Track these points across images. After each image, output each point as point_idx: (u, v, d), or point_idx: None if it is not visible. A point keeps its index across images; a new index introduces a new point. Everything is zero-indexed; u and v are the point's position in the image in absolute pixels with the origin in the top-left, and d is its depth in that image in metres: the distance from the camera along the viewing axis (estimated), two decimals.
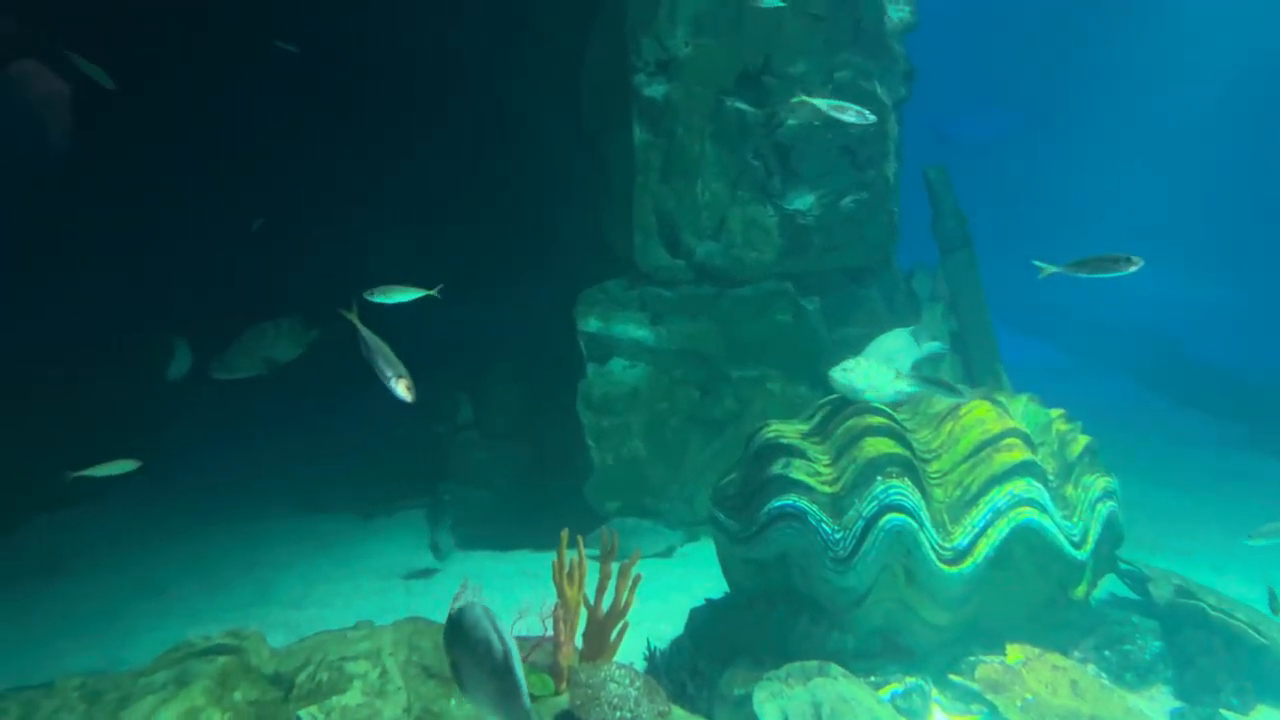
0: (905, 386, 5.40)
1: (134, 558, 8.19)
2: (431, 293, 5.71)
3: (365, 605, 7.07)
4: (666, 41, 8.22)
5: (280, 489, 9.75)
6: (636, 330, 8.42)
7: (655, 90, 8.27)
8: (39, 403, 9.07)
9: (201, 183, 9.85)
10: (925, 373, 8.17)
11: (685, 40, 8.20)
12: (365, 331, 4.60)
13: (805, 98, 6.73)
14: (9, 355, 8.90)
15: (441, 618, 3.64)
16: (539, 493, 8.79)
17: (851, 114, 6.19)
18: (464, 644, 3.14)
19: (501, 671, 3.02)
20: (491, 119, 10.15)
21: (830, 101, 6.47)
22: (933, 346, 6.77)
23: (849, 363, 5.35)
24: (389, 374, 4.56)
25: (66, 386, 9.39)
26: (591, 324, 8.44)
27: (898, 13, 8.42)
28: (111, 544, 8.53)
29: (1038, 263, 5.16)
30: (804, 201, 8.31)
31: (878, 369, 5.33)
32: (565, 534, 4.42)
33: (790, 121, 8.24)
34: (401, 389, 4.54)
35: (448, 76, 10.13)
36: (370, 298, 5.72)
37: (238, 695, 4.18)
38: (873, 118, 6.29)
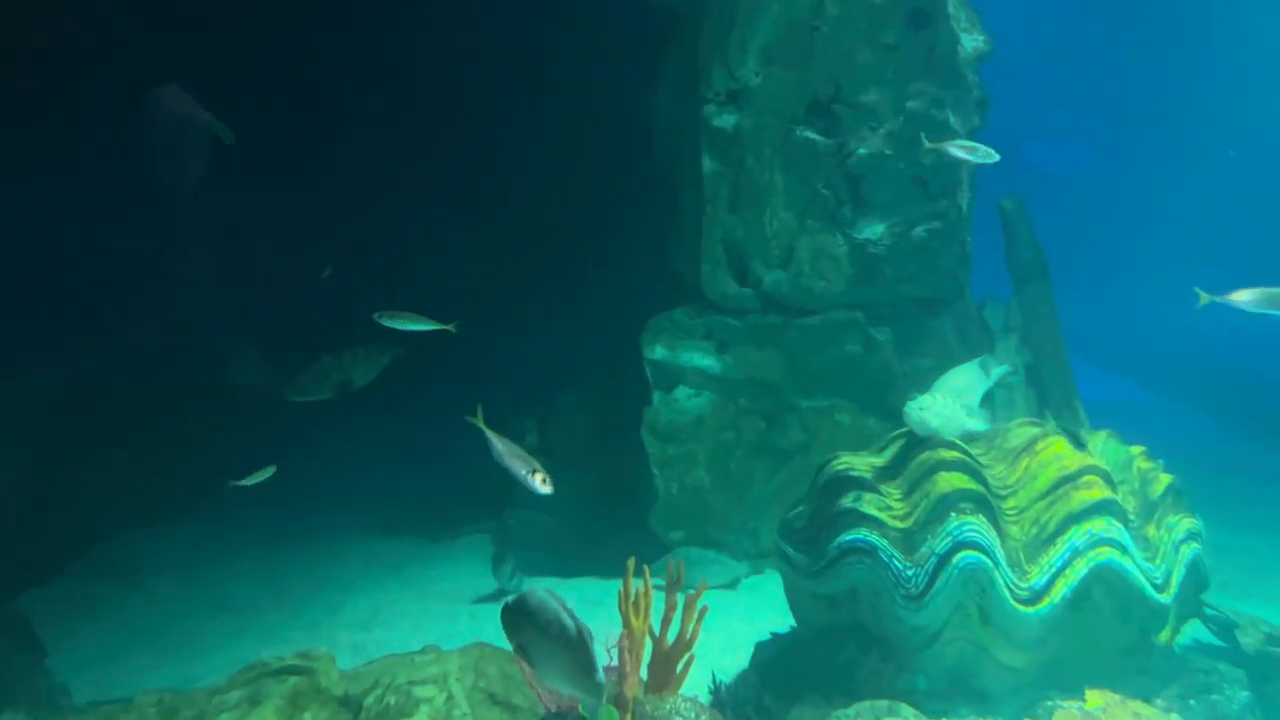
0: (978, 425, 5.31)
1: (209, 575, 8.40)
2: (447, 327, 5.83)
3: (432, 629, 7.14)
4: (737, 71, 8.27)
5: (350, 509, 9.94)
6: (702, 359, 8.41)
7: (725, 120, 8.31)
8: (120, 420, 9.38)
9: (285, 210, 10.14)
10: (998, 401, 8.02)
11: (756, 70, 8.24)
12: (492, 436, 4.72)
13: (933, 143, 6.69)
14: (90, 372, 9.23)
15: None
16: (604, 520, 8.80)
17: (980, 154, 6.17)
18: (534, 624, 3.24)
19: (576, 644, 3.12)
20: (561, 153, 10.29)
21: (960, 142, 6.46)
22: (1001, 370, 6.63)
23: (923, 399, 5.26)
24: (524, 471, 4.67)
25: (148, 404, 9.69)
26: (658, 351, 8.46)
27: (971, 42, 8.33)
28: (188, 561, 8.77)
29: (1198, 290, 5.06)
30: (874, 231, 8.23)
31: (952, 405, 5.23)
32: (632, 563, 4.41)
33: (861, 150, 8.19)
34: (538, 483, 4.65)
35: (523, 120, 10.30)
36: (380, 320, 5.85)
37: (307, 716, 4.25)
38: (996, 156, 6.23)
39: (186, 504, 9.79)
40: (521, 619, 3.28)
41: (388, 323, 5.98)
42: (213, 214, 9.81)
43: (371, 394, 8.51)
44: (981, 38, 8.45)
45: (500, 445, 4.70)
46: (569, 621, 3.18)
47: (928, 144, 6.84)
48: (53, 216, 8.92)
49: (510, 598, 3.48)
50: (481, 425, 4.83)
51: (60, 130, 8.84)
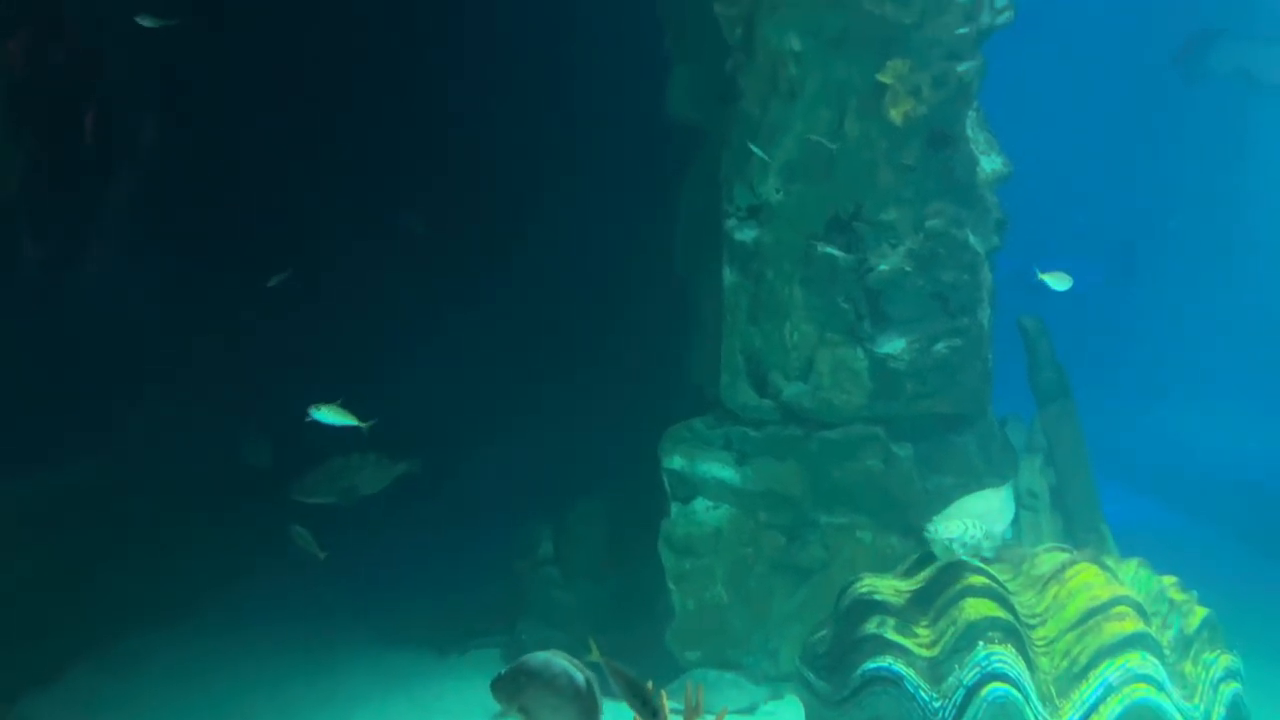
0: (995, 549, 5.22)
1: (214, 683, 8.19)
2: (364, 426, 5.89)
3: None
4: (759, 188, 8.42)
5: (360, 614, 9.73)
6: (721, 470, 8.33)
7: (746, 234, 8.43)
8: (128, 516, 9.31)
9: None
10: (1023, 523, 7.87)
11: (777, 187, 8.39)
12: (613, 668, 4.19)
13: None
14: (94, 468, 9.19)
15: None
16: (619, 636, 8.57)
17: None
18: (539, 682, 3.16)
19: (584, 693, 3.05)
20: (583, 259, 10.46)
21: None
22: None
23: (945, 520, 5.18)
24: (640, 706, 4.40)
25: (156, 499, 9.60)
26: (676, 461, 8.39)
27: (990, 164, 8.49)
28: (192, 666, 8.57)
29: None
30: (895, 346, 8.24)
31: (974, 528, 5.14)
32: (649, 687, 4.26)
33: (881, 266, 8.27)
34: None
35: (546, 228, 10.51)
36: (312, 413, 5.88)
37: None
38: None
39: (195, 603, 9.64)
40: (521, 681, 3.23)
41: (317, 416, 6.04)
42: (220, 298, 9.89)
43: (383, 494, 8.45)
44: (1000, 160, 8.62)
45: (619, 678, 4.06)
46: (578, 674, 3.13)
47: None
48: (56, 306, 9.06)
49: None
50: (602, 658, 3.93)
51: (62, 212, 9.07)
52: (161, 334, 9.54)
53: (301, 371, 9.93)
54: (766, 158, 8.17)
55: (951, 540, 5.13)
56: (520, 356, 10.53)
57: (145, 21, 7.26)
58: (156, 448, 9.73)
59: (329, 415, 6.13)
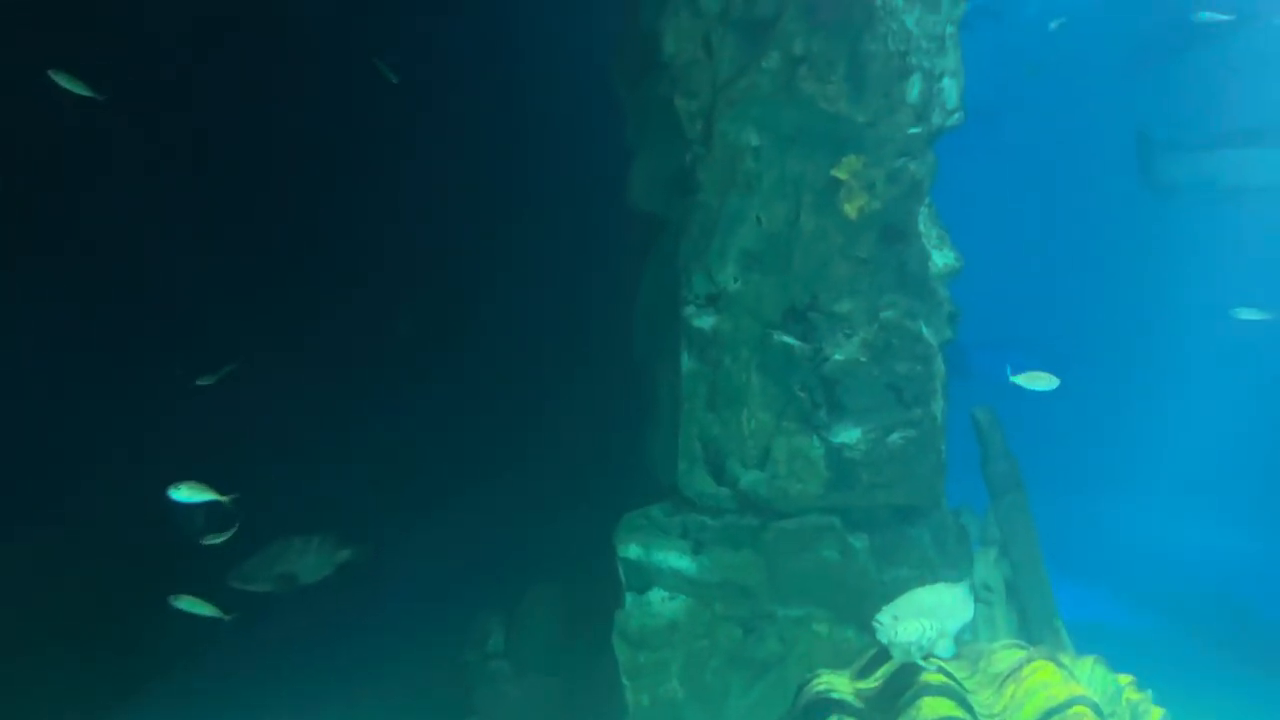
0: (948, 650, 5.14)
1: None
2: (224, 499, 5.81)
3: None
4: (717, 276, 8.51)
5: (301, 713, 9.30)
6: (678, 560, 8.21)
7: (704, 322, 8.49)
8: (68, 601, 8.90)
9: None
10: (978, 618, 7.81)
11: (735, 276, 8.49)
12: None
13: None
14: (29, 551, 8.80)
15: None
16: None
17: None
18: None
19: None
20: (542, 342, 10.43)
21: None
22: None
23: (900, 619, 5.11)
24: None
25: (95, 580, 9.19)
26: (632, 550, 8.26)
27: (942, 259, 8.69)
28: None
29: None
30: (850, 435, 8.28)
31: (929, 628, 5.08)
32: None
33: (837, 356, 8.36)
34: None
35: (509, 316, 10.48)
36: (170, 493, 5.77)
37: None
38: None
39: (141, 690, 9.15)
40: None
41: (178, 495, 5.94)
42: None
43: (326, 581, 8.16)
44: (952, 254, 8.83)
45: None
46: None
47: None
48: None
49: None
50: None
51: None
52: (91, 413, 9.31)
53: (245, 449, 9.71)
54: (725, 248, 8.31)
55: (909, 644, 5.06)
56: (474, 439, 10.38)
57: (68, 84, 7.06)
58: (89, 523, 9.35)
59: (188, 494, 6.02)
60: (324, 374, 9.93)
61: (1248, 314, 9.32)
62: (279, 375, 9.68)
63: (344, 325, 9.95)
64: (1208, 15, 12.35)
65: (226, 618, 6.75)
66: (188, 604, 6.06)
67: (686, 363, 8.49)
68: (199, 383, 8.00)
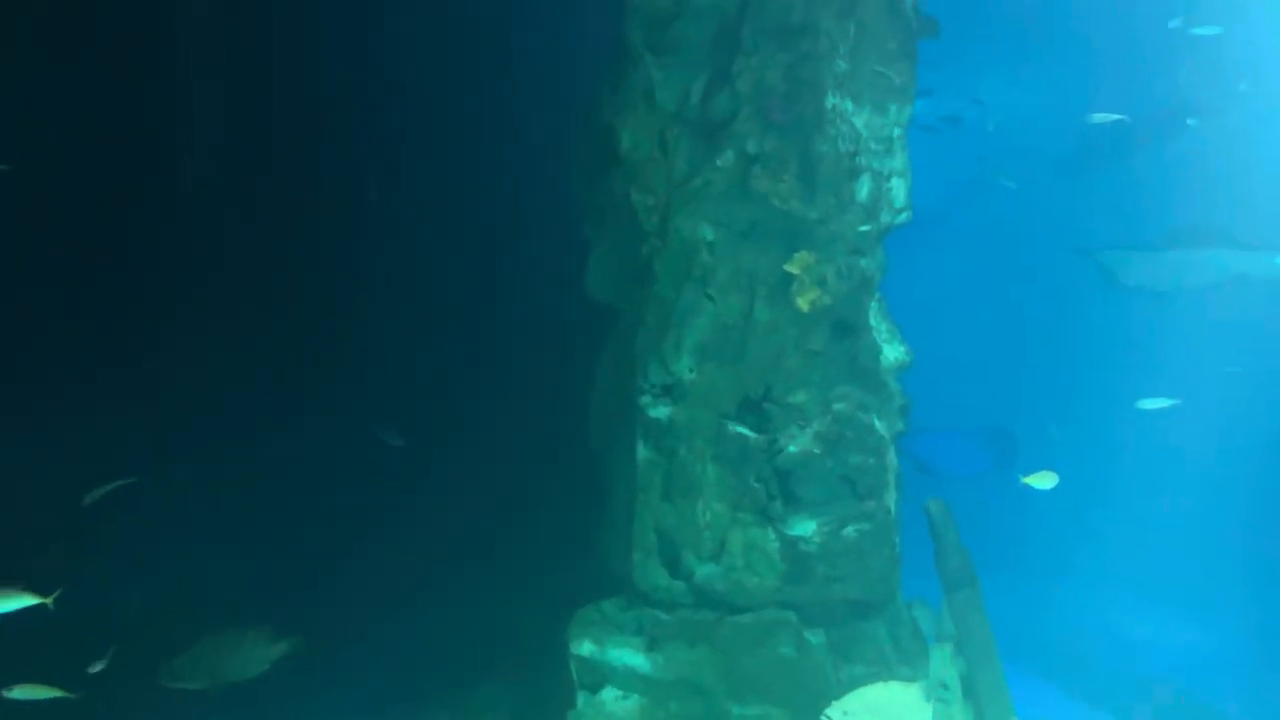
0: None
1: None
2: (45, 601, 5.64)
3: None
4: (672, 367, 8.57)
5: None
6: (632, 656, 8.03)
7: (660, 412, 8.51)
8: None
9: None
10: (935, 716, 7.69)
11: (690, 367, 8.55)
12: None
13: None
14: None
15: None
16: None
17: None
18: None
19: None
20: (498, 432, 10.34)
21: None
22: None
23: (847, 709, 5.03)
24: None
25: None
26: (585, 647, 8.08)
27: (893, 352, 8.85)
28: None
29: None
30: (805, 528, 8.26)
31: None
32: None
33: (791, 448, 8.40)
34: None
35: (463, 402, 10.40)
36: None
37: None
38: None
39: None
40: None
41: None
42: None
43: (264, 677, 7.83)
44: (902, 348, 8.99)
45: None
46: None
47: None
48: None
49: None
50: None
51: None
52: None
53: (189, 539, 9.44)
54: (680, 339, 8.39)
55: None
56: (424, 531, 10.16)
57: None
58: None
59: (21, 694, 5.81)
60: (271, 470, 9.72)
61: (1150, 404, 9.63)
62: (230, 468, 9.50)
63: (294, 420, 9.78)
64: (1100, 116, 13.03)
65: (71, 696, 6.38)
66: (22, 692, 5.75)
67: (642, 452, 8.47)
68: (85, 501, 7.71)
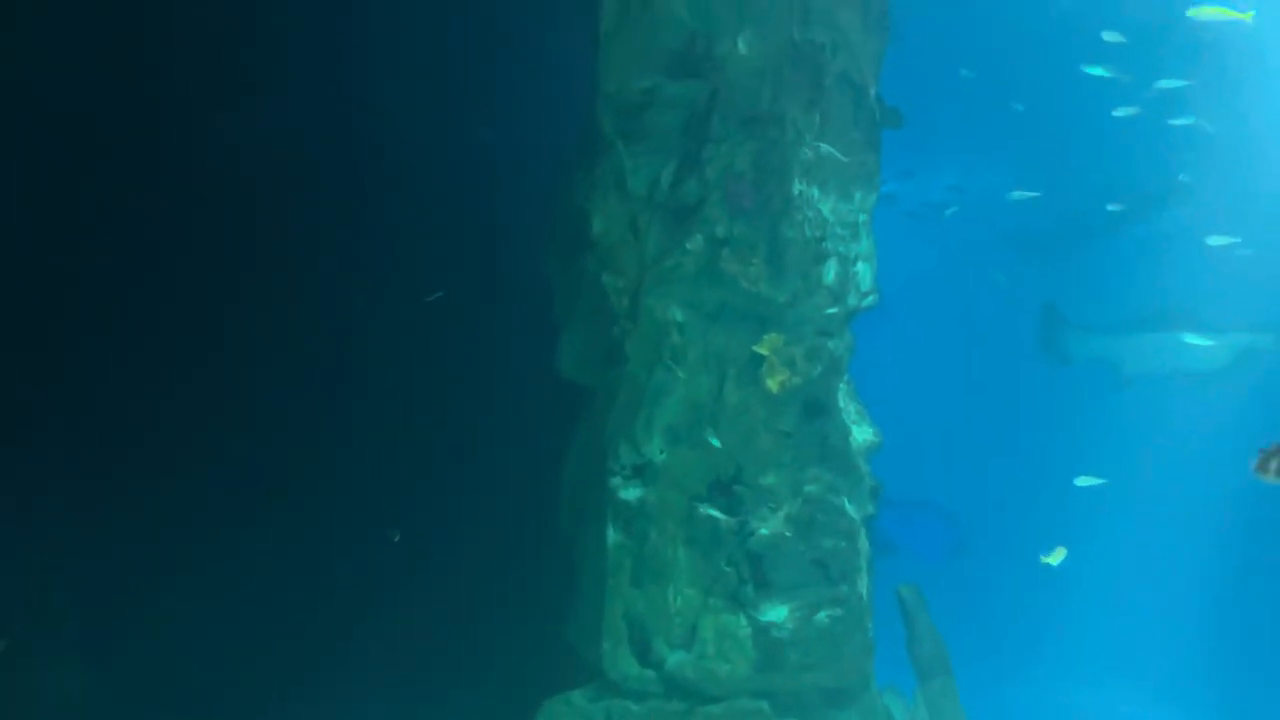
0: None
1: None
2: None
3: None
4: (643, 448, 8.52)
5: None
6: None
7: (630, 493, 8.42)
8: None
9: None
10: None
11: (661, 447, 8.51)
12: None
13: None
14: None
15: None
16: None
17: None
18: None
19: None
20: (460, 519, 10.15)
21: None
22: None
23: None
24: None
25: None
26: None
27: (862, 434, 8.88)
28: None
29: None
30: (778, 614, 8.15)
31: None
32: None
33: (762, 531, 8.33)
34: None
35: (430, 485, 10.25)
36: None
37: None
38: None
39: None
40: None
41: None
42: None
43: None
44: (871, 430, 9.03)
45: None
46: None
47: None
48: None
49: None
50: None
51: None
52: None
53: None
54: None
55: None
56: (390, 617, 9.88)
57: None
58: None
59: None
60: (240, 564, 9.49)
61: (1084, 481, 9.87)
62: (198, 560, 9.26)
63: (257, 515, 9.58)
64: (1018, 193, 13.48)
65: None
66: None
67: (612, 536, 8.35)
68: None
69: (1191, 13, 8.23)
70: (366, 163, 10.30)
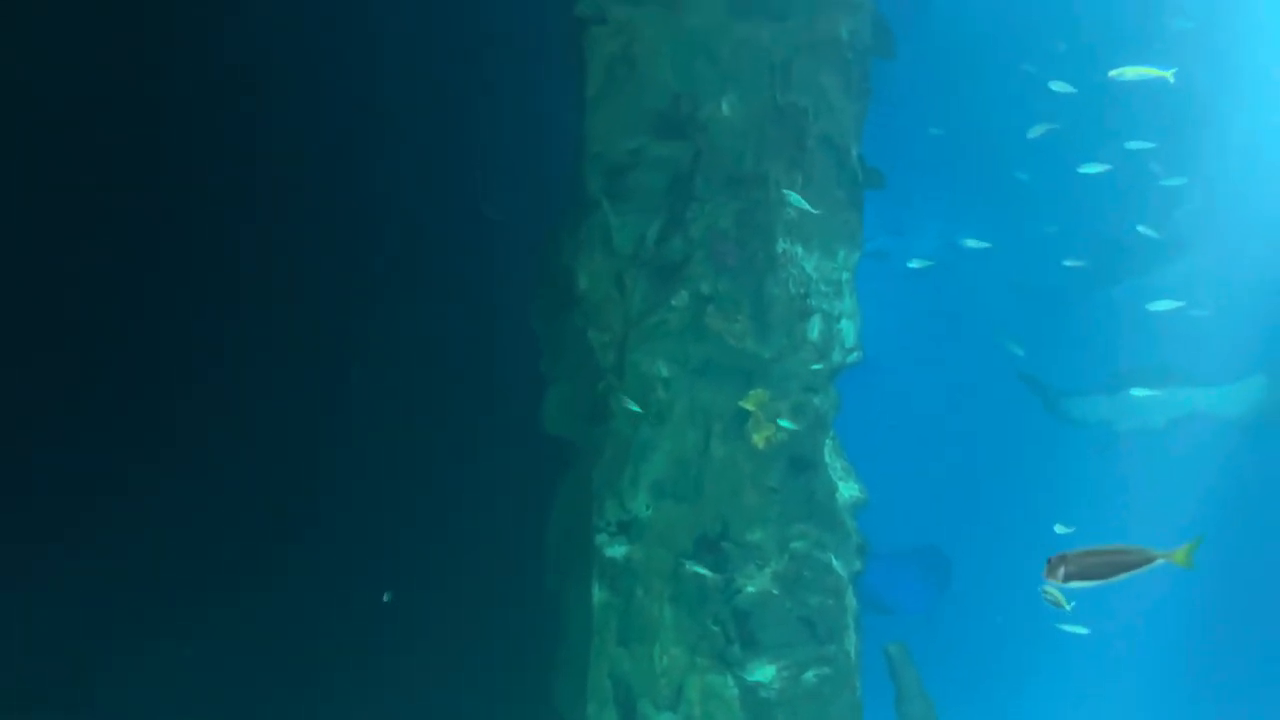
0: None
1: None
2: None
3: None
4: (629, 504, 8.50)
5: None
6: None
7: (616, 550, 8.38)
8: None
9: None
10: None
11: (647, 504, 8.49)
12: None
13: None
14: None
15: None
16: None
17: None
18: None
19: None
20: (441, 573, 10.05)
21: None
22: None
23: None
24: None
25: None
26: None
27: (848, 490, 8.87)
28: None
29: None
30: (765, 673, 8.07)
31: None
32: None
33: (749, 588, 8.28)
34: None
35: (406, 540, 10.17)
36: None
37: None
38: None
39: None
40: None
41: None
42: None
43: None
44: (857, 487, 9.02)
45: None
46: None
47: None
48: None
49: None
50: None
51: None
52: None
53: None
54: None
55: None
56: (375, 681, 9.72)
57: None
58: None
59: None
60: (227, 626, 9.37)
61: (1061, 529, 10.06)
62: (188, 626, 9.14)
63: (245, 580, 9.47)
64: (972, 241, 13.71)
65: None
66: None
67: (598, 594, 8.28)
68: None
69: (1113, 73, 8.36)
70: (358, 224, 10.40)
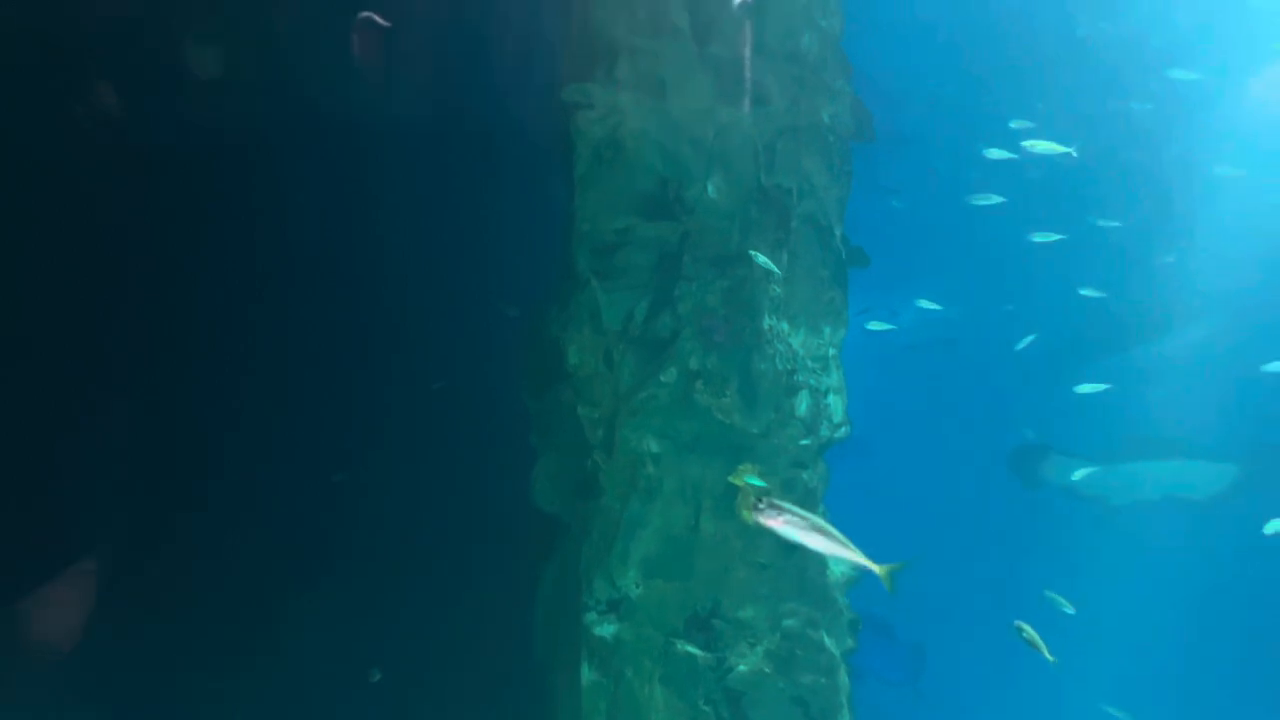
0: None
1: None
2: None
3: None
4: (619, 582, 8.43)
5: None
6: None
7: (606, 630, 8.28)
8: None
9: None
10: None
11: (636, 581, 8.42)
12: None
13: None
14: None
15: None
16: None
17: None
18: None
19: None
20: (427, 650, 9.89)
21: None
22: None
23: None
24: None
25: None
26: None
27: (839, 567, 8.83)
28: None
29: None
30: None
31: None
32: None
33: (741, 667, 8.17)
34: None
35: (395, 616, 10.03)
36: None
37: None
38: None
39: None
40: None
41: None
42: None
43: None
44: (847, 563, 8.97)
45: None
46: None
47: None
48: None
49: None
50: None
51: None
52: None
53: None
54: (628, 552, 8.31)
55: None
56: None
57: None
58: None
59: None
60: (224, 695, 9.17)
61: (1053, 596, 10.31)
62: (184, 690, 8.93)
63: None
64: (927, 303, 13.99)
65: None
66: None
67: (587, 675, 8.15)
68: None
69: (1026, 144, 9.42)
70: (357, 304, 10.48)
